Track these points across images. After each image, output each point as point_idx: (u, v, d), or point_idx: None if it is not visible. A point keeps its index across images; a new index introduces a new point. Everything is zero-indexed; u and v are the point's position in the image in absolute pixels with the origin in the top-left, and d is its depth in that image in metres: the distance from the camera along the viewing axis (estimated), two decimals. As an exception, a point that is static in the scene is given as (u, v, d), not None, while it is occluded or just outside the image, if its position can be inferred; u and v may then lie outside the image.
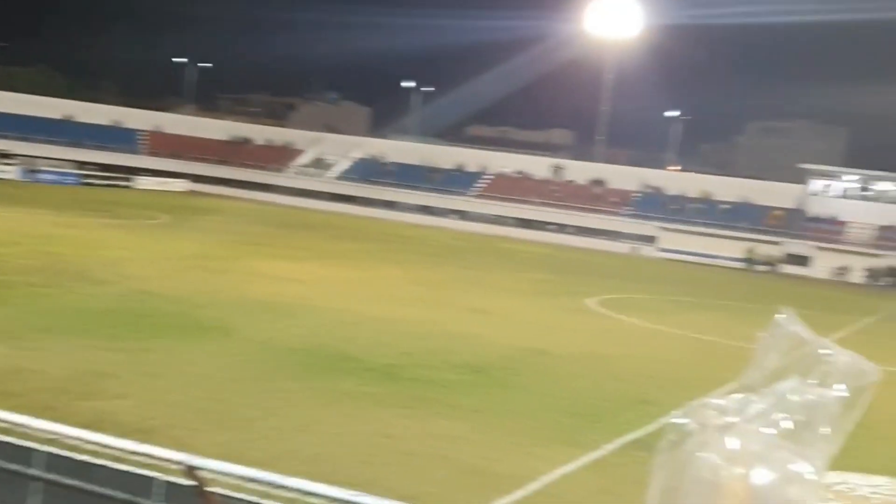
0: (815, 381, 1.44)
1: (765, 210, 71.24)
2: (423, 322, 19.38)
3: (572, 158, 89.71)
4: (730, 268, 62.60)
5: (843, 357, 1.41)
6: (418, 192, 76.66)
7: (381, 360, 14.89)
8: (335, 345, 15.90)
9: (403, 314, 20.19)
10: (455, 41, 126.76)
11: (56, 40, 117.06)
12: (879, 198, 72.21)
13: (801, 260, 66.26)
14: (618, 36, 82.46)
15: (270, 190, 76.82)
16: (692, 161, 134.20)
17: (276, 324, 17.61)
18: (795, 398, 1.33)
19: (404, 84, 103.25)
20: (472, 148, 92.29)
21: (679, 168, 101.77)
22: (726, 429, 1.37)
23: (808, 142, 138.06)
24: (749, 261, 65.35)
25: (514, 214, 74.80)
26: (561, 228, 73.35)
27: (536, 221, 74.16)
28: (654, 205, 73.75)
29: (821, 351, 1.44)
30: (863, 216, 69.40)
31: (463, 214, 75.62)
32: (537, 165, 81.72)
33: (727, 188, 75.29)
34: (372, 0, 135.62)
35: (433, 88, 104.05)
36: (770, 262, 65.42)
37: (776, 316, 1.59)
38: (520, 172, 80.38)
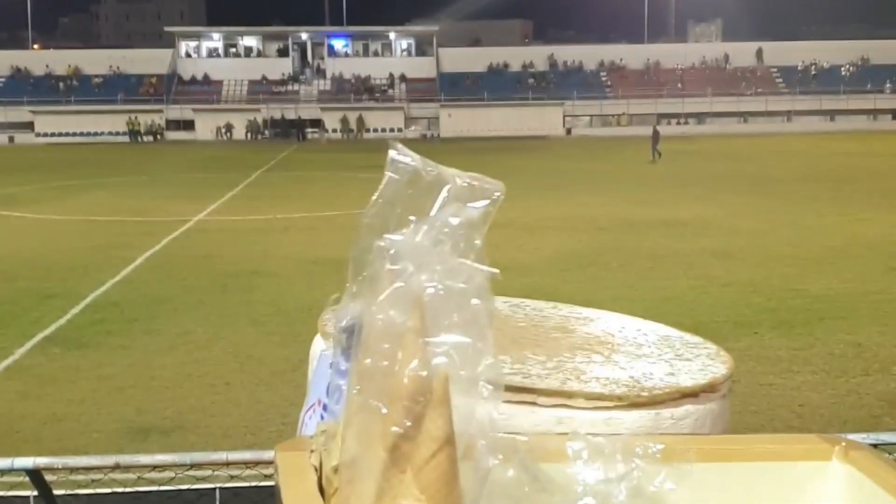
0: (453, 204, 1.47)
1: (139, 79, 70.74)
2: None
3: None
4: (115, 143, 61.60)
5: (468, 178, 1.46)
6: None
7: None
8: None
9: None
10: None
11: None
12: (245, 54, 75.74)
13: (184, 125, 67.52)
14: None
15: None
16: (53, 37, 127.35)
17: None
18: (454, 219, 1.36)
19: None
20: None
21: (40, 46, 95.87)
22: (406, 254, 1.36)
23: (169, 4, 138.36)
24: (132, 133, 64.91)
25: None
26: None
27: None
28: (22, 89, 68.95)
29: (447, 175, 1.47)
30: (234, 73, 72.44)
31: None
32: None
33: (96, 61, 73.00)
34: None
35: None
36: (154, 132, 65.67)
37: (390, 152, 1.55)
38: None
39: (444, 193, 1.98)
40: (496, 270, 2.00)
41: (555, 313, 2.08)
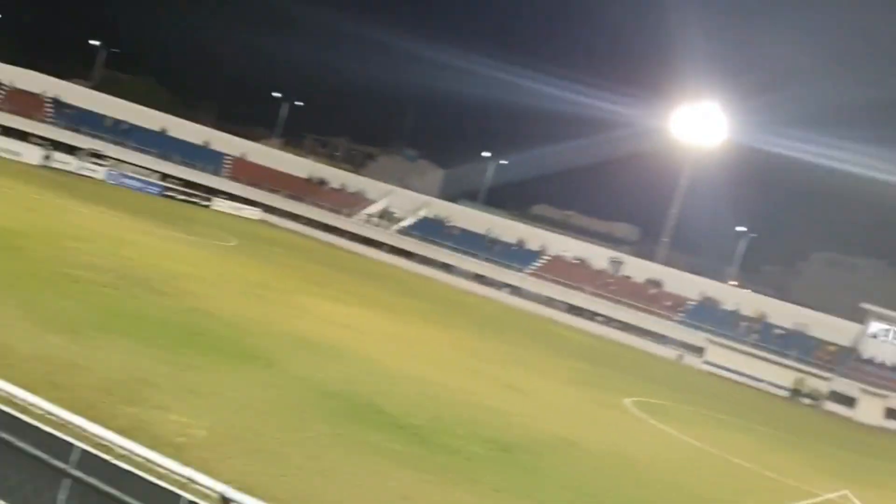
0: None
1: (818, 343, 69.84)
2: (459, 390, 19.31)
3: (633, 255, 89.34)
4: (773, 394, 61.34)
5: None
6: (476, 260, 76.98)
7: (412, 420, 14.86)
8: (370, 396, 15.92)
9: (441, 378, 20.15)
10: (536, 121, 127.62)
11: (165, 55, 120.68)
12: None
13: (846, 400, 64.63)
14: (699, 143, 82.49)
15: (336, 233, 77.87)
16: (752, 279, 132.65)
17: (318, 364, 17.72)
18: None
19: (483, 154, 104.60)
20: (535, 226, 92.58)
21: (737, 284, 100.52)
22: None
23: (873, 282, 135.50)
24: (795, 391, 63.89)
25: (565, 299, 74.47)
26: (608, 321, 72.85)
27: (586, 310, 73.75)
28: (707, 316, 72.73)
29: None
30: (916, 367, 67.68)
31: (516, 290, 75.51)
32: (597, 255, 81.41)
33: (784, 313, 74.04)
34: (470, 70, 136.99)
35: (507, 162, 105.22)
36: (815, 397, 63.88)
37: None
38: (578, 259, 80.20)
39: None
40: None
41: None
